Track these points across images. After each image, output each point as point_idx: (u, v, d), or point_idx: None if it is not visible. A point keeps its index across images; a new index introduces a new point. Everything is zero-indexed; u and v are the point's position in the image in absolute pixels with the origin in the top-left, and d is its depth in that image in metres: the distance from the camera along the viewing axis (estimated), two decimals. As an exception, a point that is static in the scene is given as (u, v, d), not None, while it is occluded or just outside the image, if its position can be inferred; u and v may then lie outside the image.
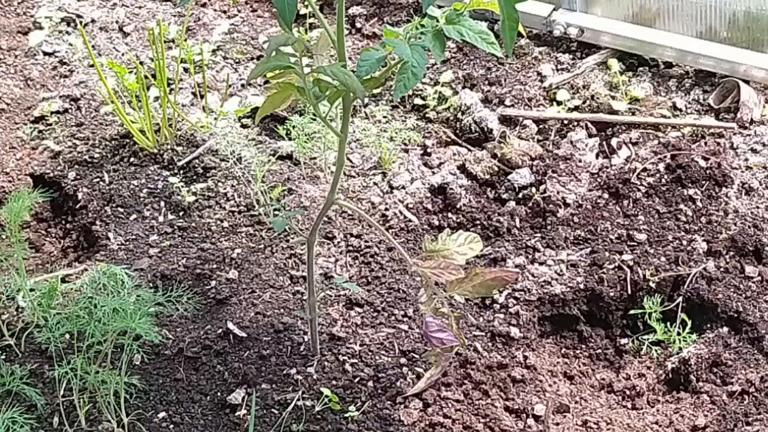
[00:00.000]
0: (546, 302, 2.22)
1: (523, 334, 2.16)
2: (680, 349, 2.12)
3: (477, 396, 2.00)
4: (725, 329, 2.12)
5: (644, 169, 2.47)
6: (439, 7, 1.68)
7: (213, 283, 2.27)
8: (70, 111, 2.85)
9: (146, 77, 2.76)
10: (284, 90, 1.65)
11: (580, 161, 2.53)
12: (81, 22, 3.17)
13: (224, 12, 3.25)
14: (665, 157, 2.49)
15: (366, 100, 2.79)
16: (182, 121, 2.73)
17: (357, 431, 1.93)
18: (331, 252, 2.34)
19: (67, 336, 2.08)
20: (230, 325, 2.15)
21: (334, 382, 2.02)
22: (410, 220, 2.42)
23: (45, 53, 3.10)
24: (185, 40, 3.03)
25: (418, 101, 2.79)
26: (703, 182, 2.42)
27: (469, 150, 2.63)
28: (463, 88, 2.81)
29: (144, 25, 3.17)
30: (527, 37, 2.97)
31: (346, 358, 2.07)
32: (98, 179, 2.60)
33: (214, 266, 2.31)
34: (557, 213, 2.39)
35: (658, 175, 2.45)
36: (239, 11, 3.26)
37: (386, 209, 2.45)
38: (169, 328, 2.16)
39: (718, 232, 2.30)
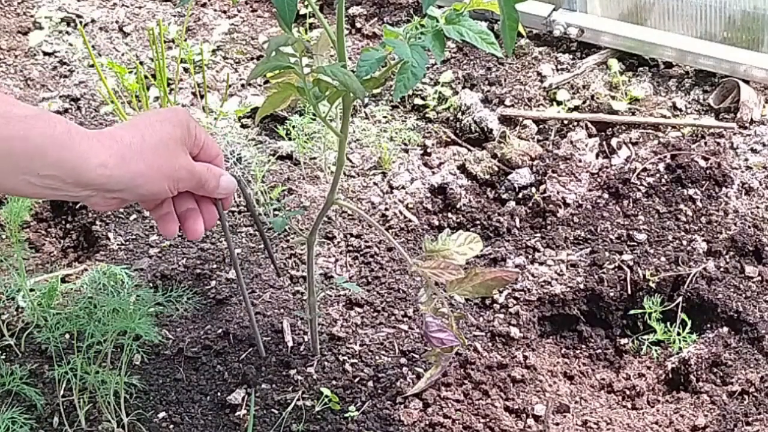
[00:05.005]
0: (546, 302, 2.22)
1: (523, 334, 2.16)
2: (680, 349, 2.12)
3: (477, 396, 2.00)
4: (725, 329, 2.12)
5: (644, 169, 2.47)
6: (439, 7, 1.68)
7: (213, 283, 2.27)
8: (70, 111, 2.85)
9: (146, 77, 2.76)
10: (284, 90, 1.65)
11: (580, 161, 2.53)
12: (81, 22, 3.18)
13: (224, 12, 3.25)
14: (665, 157, 2.49)
15: (366, 100, 2.79)
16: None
17: (357, 431, 1.93)
18: (331, 252, 2.34)
19: (67, 336, 2.08)
20: (230, 325, 2.15)
21: (334, 382, 2.02)
22: (410, 220, 2.42)
23: (45, 53, 3.10)
24: (185, 40, 3.03)
25: (418, 101, 2.79)
26: (703, 182, 2.42)
27: (469, 150, 2.63)
28: (463, 88, 2.82)
29: (144, 25, 3.17)
30: (527, 37, 2.97)
31: (346, 358, 2.07)
32: (98, 179, 2.60)
33: (214, 266, 2.31)
34: (557, 213, 2.39)
35: (658, 175, 2.45)
36: (239, 11, 3.26)
37: (386, 209, 2.45)
38: (169, 328, 2.16)
39: (718, 232, 2.30)
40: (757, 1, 2.65)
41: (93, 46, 3.08)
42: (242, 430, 1.95)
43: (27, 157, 1.23)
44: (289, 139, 2.62)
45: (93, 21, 3.21)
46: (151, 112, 1.41)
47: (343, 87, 1.57)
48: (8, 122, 1.22)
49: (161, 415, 1.99)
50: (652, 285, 2.21)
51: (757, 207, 2.37)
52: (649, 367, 2.14)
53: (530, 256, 2.31)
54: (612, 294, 2.22)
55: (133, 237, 2.43)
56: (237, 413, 1.98)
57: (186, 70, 2.89)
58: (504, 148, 2.57)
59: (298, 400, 1.99)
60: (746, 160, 2.49)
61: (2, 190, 1.29)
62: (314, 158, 2.60)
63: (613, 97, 2.72)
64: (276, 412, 1.97)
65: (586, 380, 2.13)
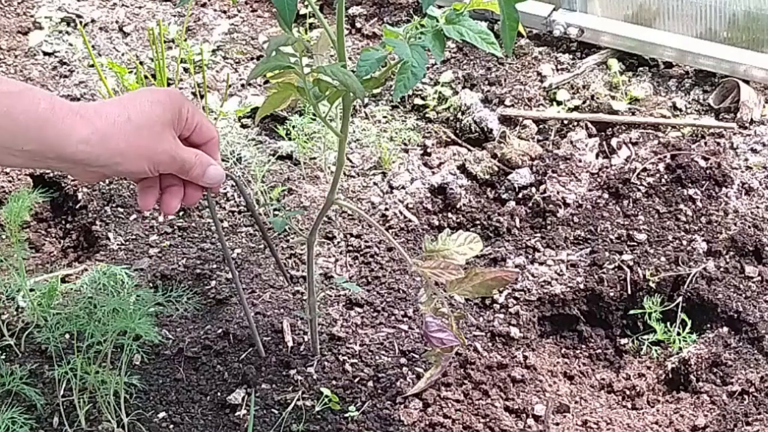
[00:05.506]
0: (546, 302, 2.22)
1: (523, 334, 2.16)
2: (680, 349, 2.12)
3: (477, 396, 2.00)
4: (725, 329, 2.12)
5: (644, 169, 2.47)
6: (439, 7, 1.68)
7: (213, 283, 2.27)
8: (70, 111, 2.85)
9: (146, 77, 2.76)
10: (284, 90, 1.65)
11: (580, 161, 2.53)
12: (81, 22, 3.18)
13: (224, 12, 3.25)
14: (665, 157, 2.49)
15: (366, 100, 2.79)
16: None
17: (357, 431, 1.93)
18: (331, 252, 2.34)
19: (67, 336, 2.08)
20: (230, 325, 2.15)
21: (334, 382, 2.02)
22: (410, 220, 2.42)
23: (45, 53, 3.10)
24: (185, 40, 3.04)
25: (418, 101, 2.79)
26: (703, 182, 2.42)
27: (469, 150, 2.63)
28: (463, 88, 2.81)
29: (144, 25, 3.17)
30: (527, 37, 2.97)
31: (346, 358, 2.07)
32: (98, 179, 2.60)
33: (214, 266, 2.31)
34: (557, 213, 2.39)
35: (658, 175, 2.45)
36: (239, 11, 3.26)
37: (386, 209, 2.45)
38: (169, 328, 2.16)
39: (718, 232, 2.30)
40: (757, 1, 2.65)
41: (93, 46, 3.08)
42: (242, 430, 1.95)
43: (9, 133, 1.25)
44: (289, 139, 2.62)
45: (93, 21, 3.21)
46: (146, 90, 1.41)
47: (343, 87, 1.57)
48: None
49: (161, 415, 1.99)
50: (652, 285, 2.21)
51: (757, 207, 2.37)
52: (649, 367, 2.14)
53: (530, 256, 2.31)
54: (612, 294, 2.22)
55: (133, 237, 2.43)
56: (237, 413, 1.98)
57: (186, 70, 2.89)
58: (504, 148, 2.57)
59: (298, 400, 1.99)
60: (746, 160, 2.49)
61: None
62: (314, 158, 2.60)
63: (613, 97, 2.72)
64: (276, 412, 1.97)
65: (586, 380, 2.13)
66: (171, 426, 1.97)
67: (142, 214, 2.48)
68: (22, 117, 1.25)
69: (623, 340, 2.21)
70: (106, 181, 2.58)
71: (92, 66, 2.95)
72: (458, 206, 2.45)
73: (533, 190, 2.46)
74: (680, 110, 2.67)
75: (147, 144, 1.37)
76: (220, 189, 1.58)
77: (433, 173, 2.56)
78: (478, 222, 2.41)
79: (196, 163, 1.45)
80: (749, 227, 2.30)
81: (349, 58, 2.74)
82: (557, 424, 1.98)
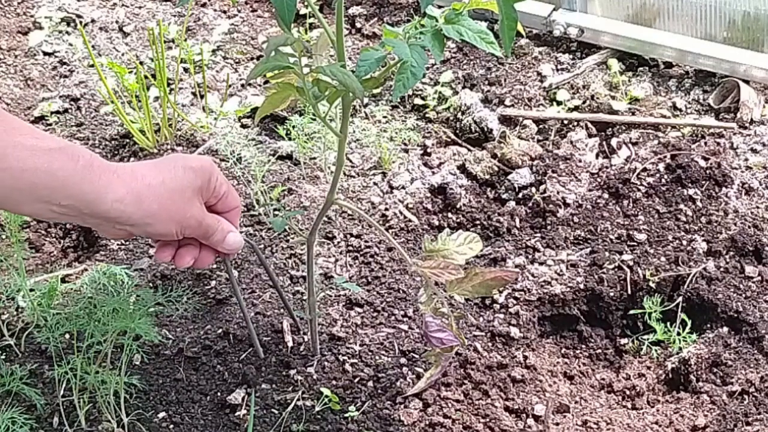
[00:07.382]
0: (546, 302, 2.22)
1: (523, 334, 2.16)
2: (680, 349, 2.12)
3: (477, 396, 2.00)
4: (725, 329, 2.12)
5: (644, 169, 2.47)
6: (439, 7, 1.68)
7: (213, 283, 2.27)
8: (70, 111, 2.85)
9: (146, 77, 2.76)
10: (284, 90, 1.65)
11: (580, 161, 2.53)
12: (81, 22, 3.18)
13: (224, 12, 3.25)
14: (665, 157, 2.49)
15: (366, 100, 2.79)
16: (182, 121, 2.73)
17: (357, 431, 1.93)
18: (331, 252, 2.34)
19: (67, 336, 2.08)
20: (230, 325, 2.15)
21: (334, 382, 2.02)
22: (410, 220, 2.42)
23: (45, 53, 3.10)
24: (185, 40, 3.04)
25: (418, 101, 2.79)
26: (703, 182, 2.42)
27: (469, 150, 2.63)
28: (463, 88, 2.82)
29: (144, 25, 3.17)
30: (527, 37, 2.97)
31: (346, 358, 2.07)
32: (98, 179, 2.60)
33: (214, 266, 2.31)
34: (557, 213, 2.39)
35: (658, 175, 2.45)
36: (239, 11, 3.26)
37: (386, 209, 2.45)
38: (169, 328, 2.16)
39: (718, 232, 2.30)
40: (757, 1, 2.65)
41: (93, 46, 3.08)
42: (242, 430, 1.95)
43: (49, 188, 1.31)
44: (289, 139, 2.62)
45: (93, 21, 3.21)
46: (180, 156, 1.50)
47: (342, 87, 1.57)
48: (33, 154, 1.29)
49: (161, 415, 1.99)
50: (652, 285, 2.21)
51: (757, 207, 2.37)
52: (649, 367, 2.14)
53: (530, 256, 2.31)
54: (612, 294, 2.22)
55: (133, 237, 2.43)
56: (237, 413, 1.98)
57: (186, 70, 2.89)
58: (504, 148, 2.57)
59: (298, 400, 1.99)
60: (746, 160, 2.49)
61: (22, 213, 1.39)
62: (314, 158, 2.60)
63: (613, 97, 2.72)
64: (276, 412, 1.97)
65: (586, 380, 2.13)
66: (171, 426, 1.97)
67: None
68: (60, 173, 1.30)
69: (623, 340, 2.21)
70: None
71: (92, 66, 2.95)
72: (458, 206, 2.45)
73: (533, 190, 2.46)
74: (680, 110, 2.67)
75: (178, 208, 1.44)
76: (235, 255, 1.68)
77: (433, 173, 2.56)
78: (478, 222, 2.41)
79: (218, 230, 1.54)
80: (749, 227, 2.30)
81: (349, 58, 2.74)
82: (557, 424, 1.98)
